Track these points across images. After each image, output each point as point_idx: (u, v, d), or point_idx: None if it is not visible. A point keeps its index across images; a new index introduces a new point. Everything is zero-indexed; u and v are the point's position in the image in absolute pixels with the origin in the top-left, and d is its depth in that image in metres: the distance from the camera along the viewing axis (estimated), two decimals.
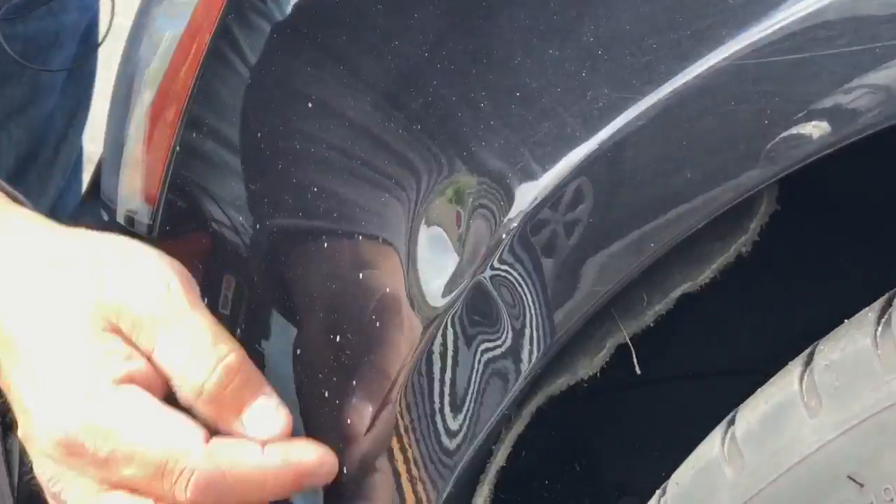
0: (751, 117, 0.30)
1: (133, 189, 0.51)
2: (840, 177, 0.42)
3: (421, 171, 0.36)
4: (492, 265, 0.32)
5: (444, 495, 0.33)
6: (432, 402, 0.32)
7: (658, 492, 0.34)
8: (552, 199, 0.32)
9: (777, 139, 0.30)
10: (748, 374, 0.40)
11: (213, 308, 0.44)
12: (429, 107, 0.36)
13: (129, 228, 0.48)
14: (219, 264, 0.47)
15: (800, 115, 0.29)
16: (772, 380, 0.32)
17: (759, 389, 0.32)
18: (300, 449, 0.39)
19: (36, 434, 0.42)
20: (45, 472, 0.43)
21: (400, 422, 0.34)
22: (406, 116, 0.37)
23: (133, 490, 0.40)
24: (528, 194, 0.32)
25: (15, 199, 0.49)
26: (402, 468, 0.34)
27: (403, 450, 0.34)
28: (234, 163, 0.49)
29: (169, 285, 0.42)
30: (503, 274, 0.32)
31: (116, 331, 0.41)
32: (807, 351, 0.32)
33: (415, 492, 0.33)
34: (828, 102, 0.29)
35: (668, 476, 0.34)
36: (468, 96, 0.36)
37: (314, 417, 0.39)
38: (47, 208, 0.79)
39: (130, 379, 0.40)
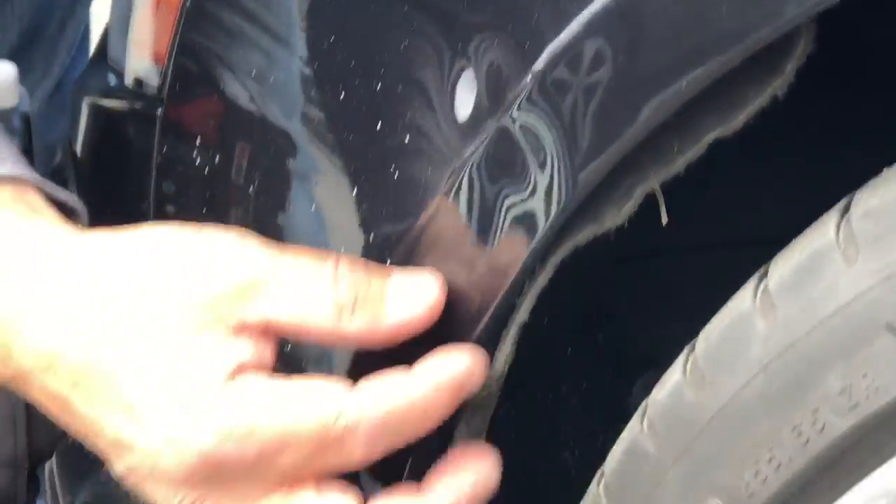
0: None
1: (142, 51, 0.49)
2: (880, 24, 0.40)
3: (440, 15, 0.34)
4: (516, 109, 0.30)
5: None
6: (455, 250, 0.31)
7: (686, 348, 0.33)
8: (578, 38, 0.30)
9: None
10: (779, 243, 0.39)
11: (225, 172, 0.43)
12: None
13: (137, 91, 0.47)
14: (231, 129, 0.46)
15: None
16: (807, 230, 0.31)
17: (794, 240, 0.31)
18: (451, 360, 0.33)
19: (159, 465, 0.36)
20: (185, 501, 0.37)
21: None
22: None
23: (296, 482, 0.36)
24: (553, 34, 0.30)
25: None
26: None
27: None
28: (246, 25, 0.47)
29: (246, 247, 0.36)
30: (527, 118, 0.30)
31: (213, 322, 0.36)
32: (844, 200, 0.31)
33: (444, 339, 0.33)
34: None
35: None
36: None
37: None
38: (52, 86, 0.78)
39: (241, 368, 0.35)
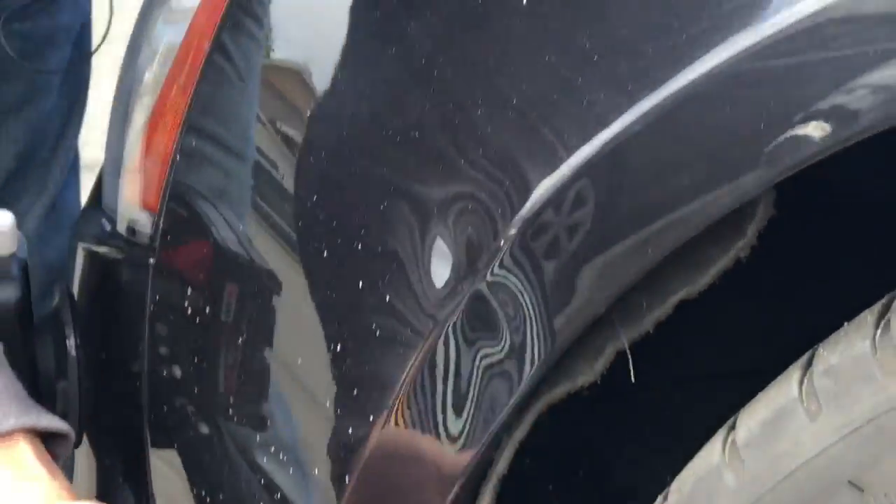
0: (749, 121, 0.30)
1: (133, 199, 0.51)
2: (839, 180, 0.42)
3: (419, 179, 0.36)
4: (491, 272, 0.32)
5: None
6: (433, 410, 0.32)
7: (660, 498, 0.34)
8: (551, 204, 0.32)
9: (775, 142, 0.30)
10: (751, 376, 0.40)
11: (216, 317, 0.44)
12: (426, 114, 0.36)
13: (129, 238, 0.48)
14: (220, 272, 0.47)
15: (798, 117, 0.29)
16: (772, 384, 0.32)
17: (760, 394, 0.32)
18: None
19: None
20: None
21: (401, 430, 0.34)
22: (404, 123, 0.37)
23: None
24: (526, 200, 0.32)
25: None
26: (403, 476, 0.34)
27: (404, 458, 0.34)
28: (235, 171, 0.49)
29: None
30: (502, 281, 0.32)
31: None
32: (806, 355, 0.32)
33: (418, 501, 0.34)
34: (826, 105, 0.29)
35: (673, 480, 0.34)
36: (466, 103, 0.36)
37: (315, 426, 0.39)
38: (48, 205, 0.80)
39: None
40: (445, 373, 0.32)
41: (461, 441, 0.32)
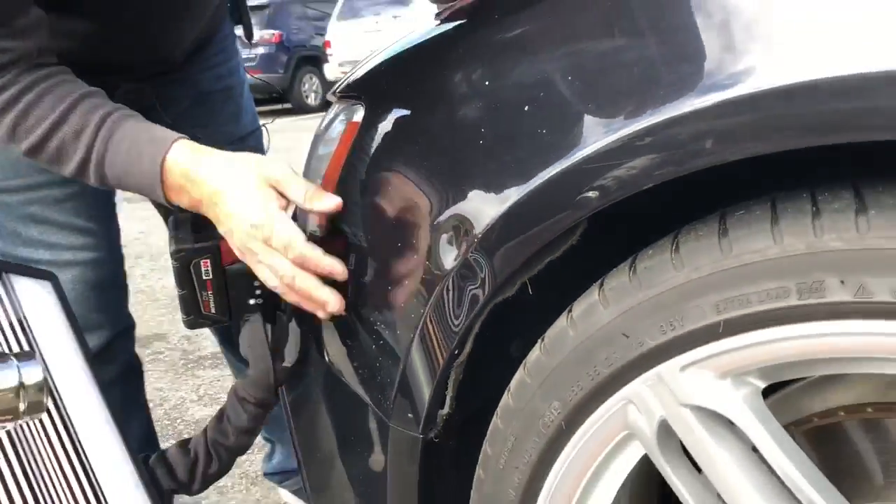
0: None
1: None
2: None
3: (442, 207, 0.77)
4: (468, 253, 0.72)
5: (448, 354, 0.73)
6: (445, 316, 0.73)
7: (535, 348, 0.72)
8: (498, 221, 0.71)
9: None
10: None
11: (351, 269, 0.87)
12: (445, 166, 0.77)
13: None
14: (350, 256, 0.91)
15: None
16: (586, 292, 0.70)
17: (580, 296, 0.70)
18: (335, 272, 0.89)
19: (240, 224, 0.89)
20: (241, 241, 0.90)
21: (428, 326, 0.75)
22: (429, 183, 0.78)
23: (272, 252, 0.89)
24: (483, 219, 0.72)
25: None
26: (426, 345, 0.75)
27: (428, 335, 0.75)
28: (354, 209, 0.92)
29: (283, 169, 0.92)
30: (472, 257, 0.72)
31: (270, 186, 0.90)
32: (599, 281, 0.70)
33: (434, 351, 0.74)
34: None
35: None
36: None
37: (368, 323, 0.80)
38: None
39: (283, 206, 0.89)
40: (450, 296, 0.73)
41: (459, 326, 0.73)
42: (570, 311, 0.71)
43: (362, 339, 0.89)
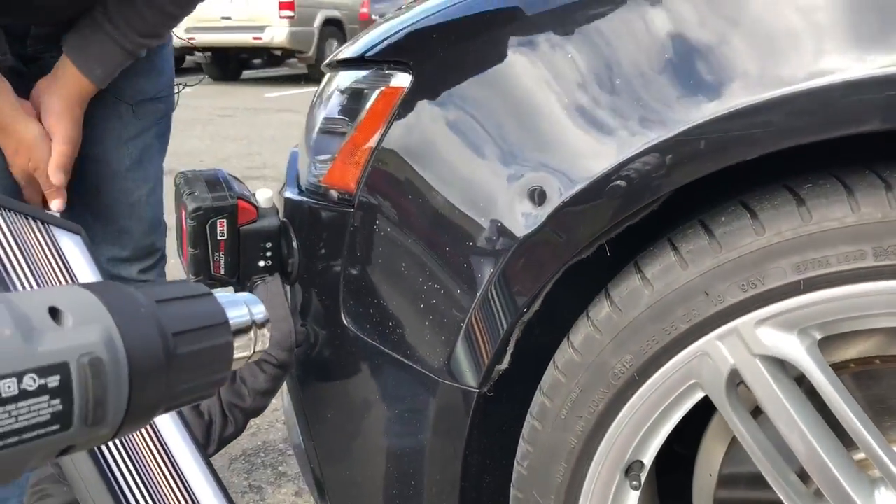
0: None
1: (340, 183, 0.96)
2: None
3: (517, 174, 0.81)
4: (545, 220, 0.76)
5: (517, 314, 0.78)
6: (513, 275, 0.77)
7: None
8: (585, 189, 0.76)
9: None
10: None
11: (363, 235, 0.90)
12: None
13: (339, 200, 0.94)
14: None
15: None
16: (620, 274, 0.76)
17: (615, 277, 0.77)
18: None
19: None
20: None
21: (496, 287, 0.79)
22: (500, 147, 0.81)
23: None
24: (567, 188, 0.77)
25: None
26: (491, 306, 0.79)
27: (494, 297, 0.79)
28: (404, 177, 0.93)
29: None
30: (549, 223, 0.76)
31: None
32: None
33: (501, 311, 0.79)
34: None
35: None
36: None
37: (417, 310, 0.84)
38: None
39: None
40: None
41: (533, 285, 0.77)
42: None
43: (405, 302, 0.91)
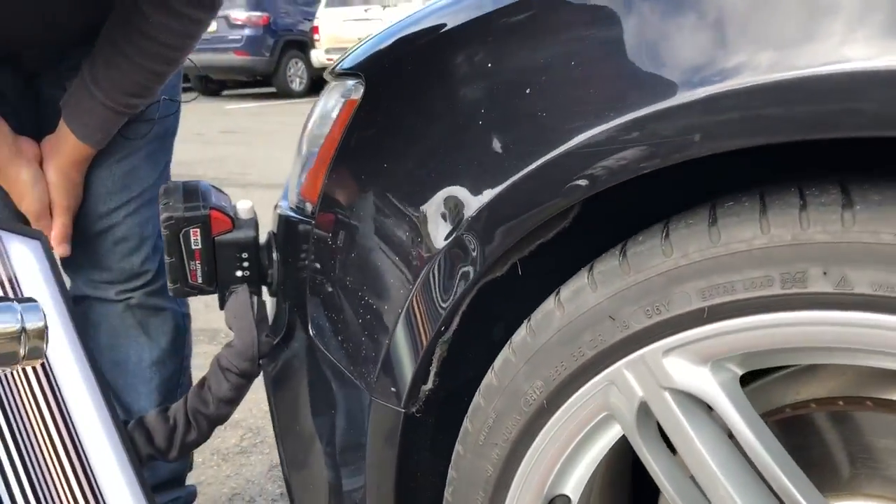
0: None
1: (307, 196, 0.96)
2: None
3: (436, 187, 0.78)
4: (459, 232, 0.73)
5: (434, 331, 0.74)
6: (431, 289, 0.74)
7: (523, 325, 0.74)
8: (491, 203, 0.73)
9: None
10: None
11: (333, 245, 0.88)
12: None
13: (303, 212, 0.94)
14: (339, 229, 0.91)
15: None
16: (575, 276, 0.71)
17: (570, 279, 0.72)
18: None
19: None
20: None
21: (415, 303, 0.76)
22: (424, 163, 0.79)
23: None
24: (474, 202, 0.73)
25: None
26: (412, 321, 0.76)
27: (414, 312, 0.76)
28: (349, 187, 0.92)
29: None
30: (464, 236, 0.73)
31: None
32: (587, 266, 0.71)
33: (420, 327, 0.75)
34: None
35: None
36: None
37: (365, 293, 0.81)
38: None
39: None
40: (440, 272, 0.74)
41: (447, 302, 0.74)
42: (558, 293, 0.72)
43: (348, 315, 0.90)
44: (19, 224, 0.93)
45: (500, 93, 0.73)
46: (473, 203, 0.73)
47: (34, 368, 0.75)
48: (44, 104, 1.22)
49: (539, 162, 0.68)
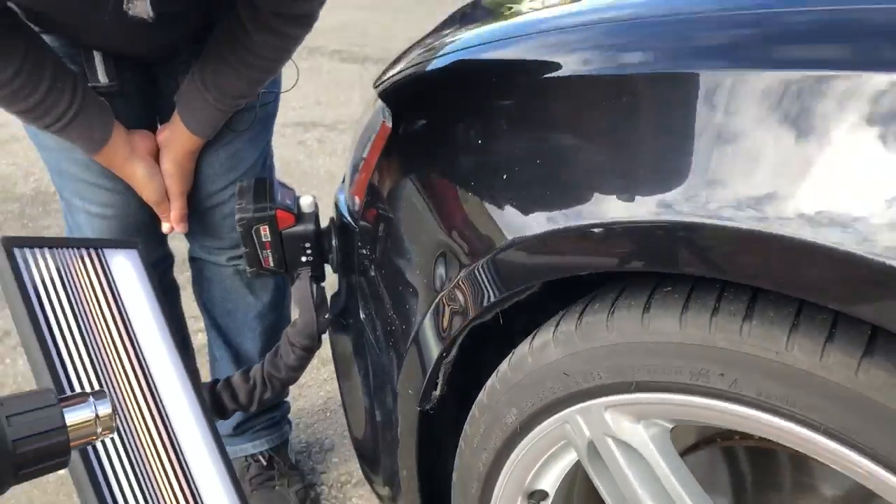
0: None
1: (357, 196, 1.12)
2: None
3: (448, 231, 0.91)
4: (454, 284, 0.87)
5: (435, 360, 0.91)
6: (436, 326, 0.90)
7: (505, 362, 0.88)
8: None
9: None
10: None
11: (378, 236, 1.05)
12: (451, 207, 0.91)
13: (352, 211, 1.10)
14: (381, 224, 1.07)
15: None
16: (541, 328, 0.85)
17: (537, 330, 0.85)
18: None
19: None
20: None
21: (422, 332, 0.92)
22: (436, 208, 0.92)
23: None
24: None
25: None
26: (420, 348, 0.92)
27: (423, 342, 0.92)
28: (381, 207, 1.07)
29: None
30: (458, 285, 0.87)
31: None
32: (555, 318, 0.84)
33: (425, 353, 0.92)
34: None
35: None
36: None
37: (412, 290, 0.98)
38: None
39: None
40: (440, 311, 0.89)
41: (445, 335, 0.90)
42: (532, 339, 0.86)
43: (384, 304, 1.07)
44: (116, 239, 1.13)
45: (485, 164, 0.85)
46: (458, 265, 0.87)
47: (137, 377, 0.98)
48: (159, 94, 1.40)
49: (502, 244, 0.81)
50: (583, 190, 0.74)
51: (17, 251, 0.91)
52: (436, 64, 0.99)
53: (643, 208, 0.69)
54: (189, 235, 1.52)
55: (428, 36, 1.20)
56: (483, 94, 0.88)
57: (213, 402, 1.19)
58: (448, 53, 0.99)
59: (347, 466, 1.84)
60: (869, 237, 0.57)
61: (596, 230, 0.72)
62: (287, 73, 1.49)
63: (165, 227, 1.41)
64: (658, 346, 0.73)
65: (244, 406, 1.22)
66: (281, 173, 3.09)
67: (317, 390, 2.06)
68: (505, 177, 0.82)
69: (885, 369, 0.60)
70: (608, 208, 0.72)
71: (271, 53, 1.27)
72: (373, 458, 1.24)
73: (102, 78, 1.31)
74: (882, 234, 0.56)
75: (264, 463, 1.73)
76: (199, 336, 1.90)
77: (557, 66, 0.79)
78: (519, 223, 0.79)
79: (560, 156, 0.77)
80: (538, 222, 0.77)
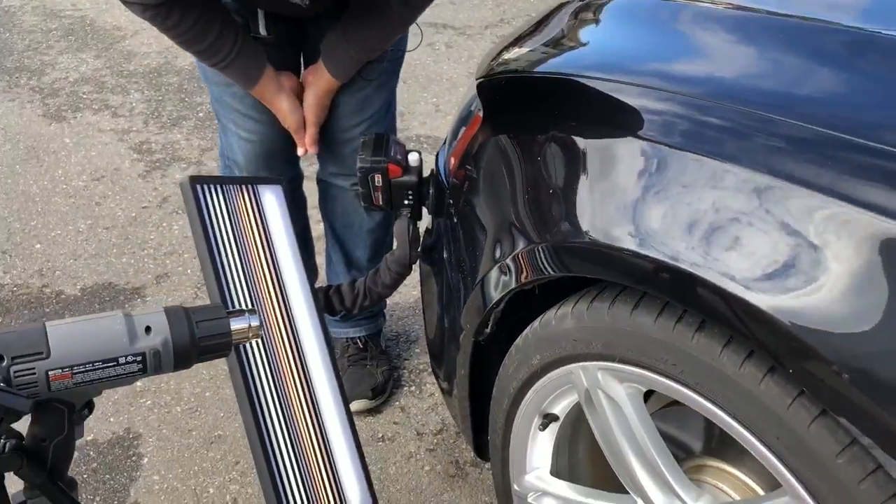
0: None
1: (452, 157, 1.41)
2: None
3: (509, 221, 1.20)
4: (514, 255, 1.17)
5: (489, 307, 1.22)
6: (497, 283, 1.21)
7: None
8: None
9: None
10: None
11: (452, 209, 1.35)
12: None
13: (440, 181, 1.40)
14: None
15: None
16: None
17: (538, 318, 1.14)
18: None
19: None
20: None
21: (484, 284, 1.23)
22: (501, 200, 1.21)
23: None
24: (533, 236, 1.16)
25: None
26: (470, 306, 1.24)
27: (480, 293, 1.23)
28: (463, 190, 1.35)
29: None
30: (516, 257, 1.17)
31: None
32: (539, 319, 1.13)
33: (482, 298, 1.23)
34: None
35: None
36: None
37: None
38: None
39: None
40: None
41: (498, 294, 1.20)
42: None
43: (457, 259, 1.38)
44: (266, 176, 1.46)
45: (537, 178, 1.12)
46: (516, 245, 1.16)
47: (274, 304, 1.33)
48: (307, 42, 1.72)
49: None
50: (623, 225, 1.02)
51: (198, 187, 1.26)
52: (535, 75, 1.25)
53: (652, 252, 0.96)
54: (320, 162, 1.87)
55: (535, 28, 1.44)
56: (572, 115, 1.14)
57: (326, 302, 1.55)
58: (549, 71, 1.25)
59: (426, 357, 2.21)
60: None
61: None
62: (412, 32, 1.77)
63: (300, 151, 1.76)
64: (637, 335, 1.02)
65: (348, 308, 1.58)
66: (406, 76, 3.36)
67: (411, 289, 2.42)
68: (577, 190, 1.09)
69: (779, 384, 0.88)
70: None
71: (403, 16, 1.57)
72: (439, 357, 1.58)
73: (262, 31, 1.63)
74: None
75: (360, 346, 2.12)
76: (319, 242, 2.27)
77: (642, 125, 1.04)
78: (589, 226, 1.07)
79: (612, 200, 1.04)
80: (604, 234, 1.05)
